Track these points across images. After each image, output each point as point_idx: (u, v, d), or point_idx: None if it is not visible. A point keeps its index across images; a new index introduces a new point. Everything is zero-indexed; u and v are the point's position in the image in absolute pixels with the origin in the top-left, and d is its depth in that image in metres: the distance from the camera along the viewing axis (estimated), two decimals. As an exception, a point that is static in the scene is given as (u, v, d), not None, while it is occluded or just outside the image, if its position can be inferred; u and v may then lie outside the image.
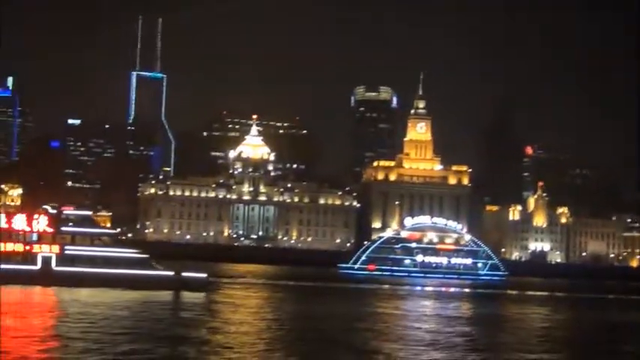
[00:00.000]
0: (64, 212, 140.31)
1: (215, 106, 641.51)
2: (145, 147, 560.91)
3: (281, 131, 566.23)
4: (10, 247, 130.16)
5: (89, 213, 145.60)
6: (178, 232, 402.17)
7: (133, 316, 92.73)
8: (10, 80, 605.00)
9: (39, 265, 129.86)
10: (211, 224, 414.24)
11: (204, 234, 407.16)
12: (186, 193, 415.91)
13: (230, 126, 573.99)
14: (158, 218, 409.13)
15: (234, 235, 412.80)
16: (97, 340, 70.07)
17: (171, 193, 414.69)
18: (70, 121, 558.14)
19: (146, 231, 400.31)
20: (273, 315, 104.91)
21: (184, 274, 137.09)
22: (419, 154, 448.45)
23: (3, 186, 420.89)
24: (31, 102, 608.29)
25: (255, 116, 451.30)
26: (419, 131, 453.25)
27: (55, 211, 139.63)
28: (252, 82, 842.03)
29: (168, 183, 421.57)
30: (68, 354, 61.97)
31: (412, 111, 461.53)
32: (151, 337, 72.63)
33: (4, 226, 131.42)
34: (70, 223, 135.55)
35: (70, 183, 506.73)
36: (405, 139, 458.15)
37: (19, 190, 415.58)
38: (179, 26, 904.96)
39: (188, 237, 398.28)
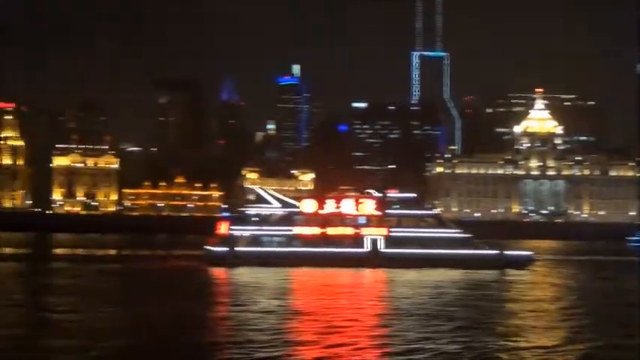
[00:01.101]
0: (389, 195, 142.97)
1: (498, 82, 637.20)
2: (430, 126, 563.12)
3: (567, 103, 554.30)
4: (339, 230, 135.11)
5: (414, 195, 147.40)
6: (467, 210, 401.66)
7: (457, 296, 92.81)
8: (296, 68, 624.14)
9: (367, 248, 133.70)
10: (500, 201, 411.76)
11: (494, 211, 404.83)
12: (473, 171, 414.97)
13: (514, 101, 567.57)
14: (446, 197, 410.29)
15: (524, 212, 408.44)
16: (416, 321, 70.76)
17: (458, 171, 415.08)
18: (356, 105, 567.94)
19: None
20: (576, 293, 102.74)
21: (508, 252, 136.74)
22: None
23: (295, 171, 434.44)
24: (317, 88, 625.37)
25: (539, 90, 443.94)
26: None
27: (380, 194, 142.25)
28: (534, 56, 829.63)
29: (455, 162, 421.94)
30: (397, 335, 63.00)
31: None
32: (475, 323, 72.31)
33: (334, 210, 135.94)
34: (396, 206, 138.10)
35: (358, 166, 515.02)
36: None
37: (311, 175, 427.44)
38: (459, 2, 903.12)
39: (477, 214, 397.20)
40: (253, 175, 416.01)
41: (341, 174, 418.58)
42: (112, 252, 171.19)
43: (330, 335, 61.97)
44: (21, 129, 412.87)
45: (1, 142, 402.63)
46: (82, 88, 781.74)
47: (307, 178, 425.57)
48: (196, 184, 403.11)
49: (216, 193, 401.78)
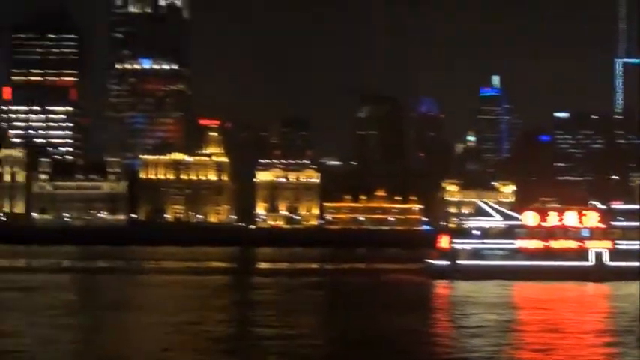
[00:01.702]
0: (613, 207, 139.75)
1: None
2: (635, 136, 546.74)
3: None
4: (563, 243, 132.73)
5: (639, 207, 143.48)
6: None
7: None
8: (496, 79, 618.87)
9: (592, 261, 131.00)
10: None
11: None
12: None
13: None
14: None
15: None
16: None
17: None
18: (558, 115, 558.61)
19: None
20: None
21: None
22: None
23: (495, 183, 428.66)
24: (518, 98, 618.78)
25: None
26: None
27: (604, 206, 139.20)
28: None
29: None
30: (621, 353, 60.48)
31: None
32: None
33: (557, 223, 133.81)
34: (620, 218, 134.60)
35: (560, 177, 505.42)
36: None
37: (512, 187, 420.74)
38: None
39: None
40: (453, 188, 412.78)
41: (542, 185, 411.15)
42: (318, 265, 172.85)
43: (549, 353, 60.01)
44: (225, 145, 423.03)
45: (207, 158, 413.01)
46: (283, 103, 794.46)
47: (508, 190, 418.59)
48: (396, 198, 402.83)
49: (416, 206, 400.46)
